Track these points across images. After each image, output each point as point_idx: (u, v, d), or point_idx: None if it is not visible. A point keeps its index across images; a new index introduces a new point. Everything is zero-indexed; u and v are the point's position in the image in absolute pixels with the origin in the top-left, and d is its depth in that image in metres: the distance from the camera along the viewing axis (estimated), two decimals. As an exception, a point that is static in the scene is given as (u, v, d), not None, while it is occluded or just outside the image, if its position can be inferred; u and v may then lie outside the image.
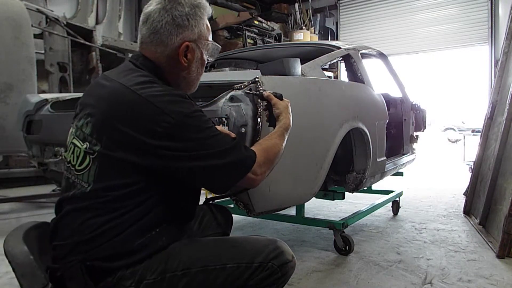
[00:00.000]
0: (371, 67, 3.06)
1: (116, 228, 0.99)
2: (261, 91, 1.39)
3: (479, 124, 4.84)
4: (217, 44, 1.20)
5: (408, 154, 3.47)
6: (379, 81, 3.29)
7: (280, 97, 1.31)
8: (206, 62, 1.20)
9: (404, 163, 3.36)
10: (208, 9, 1.18)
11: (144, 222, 1.02)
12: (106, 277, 0.99)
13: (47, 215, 3.42)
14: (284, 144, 1.22)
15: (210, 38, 1.19)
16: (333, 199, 2.54)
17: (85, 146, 1.04)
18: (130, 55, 5.79)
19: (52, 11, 5.09)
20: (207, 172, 1.02)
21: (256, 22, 7.37)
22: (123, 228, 1.00)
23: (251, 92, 1.48)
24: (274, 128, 1.26)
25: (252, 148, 1.12)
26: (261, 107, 1.44)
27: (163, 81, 1.10)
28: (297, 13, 8.76)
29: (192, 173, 1.02)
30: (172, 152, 0.98)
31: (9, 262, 0.97)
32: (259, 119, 1.47)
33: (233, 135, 1.20)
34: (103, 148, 1.01)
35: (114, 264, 0.99)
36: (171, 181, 1.05)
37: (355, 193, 2.64)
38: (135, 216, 1.01)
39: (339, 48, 2.65)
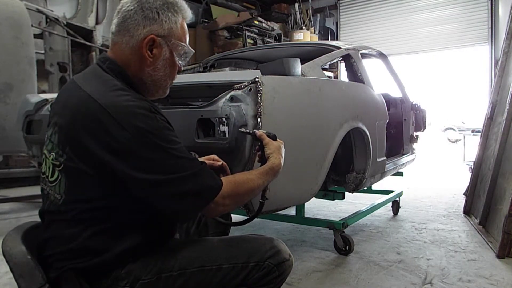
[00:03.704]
0: (371, 67, 3.06)
1: (94, 239, 0.97)
2: (254, 130, 1.30)
3: (479, 124, 4.84)
4: (190, 48, 1.13)
5: (408, 154, 3.47)
6: (379, 81, 3.29)
7: (273, 137, 1.23)
8: (177, 65, 1.12)
9: (404, 163, 3.36)
10: (186, 13, 1.12)
11: (121, 242, 0.98)
12: (100, 279, 0.99)
13: (47, 215, 3.41)
14: (265, 183, 1.13)
15: (186, 42, 1.12)
16: (333, 199, 2.55)
17: (51, 156, 1.01)
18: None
19: (52, 11, 5.08)
20: (166, 198, 0.94)
21: (256, 22, 7.36)
22: (100, 241, 0.97)
23: (244, 131, 1.44)
24: None
25: (224, 178, 1.05)
26: (255, 147, 1.38)
27: (129, 84, 1.04)
28: (297, 13, 8.75)
29: (149, 199, 0.95)
30: (127, 171, 0.92)
31: (7, 262, 0.96)
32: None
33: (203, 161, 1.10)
34: (66, 160, 0.97)
35: (107, 267, 0.98)
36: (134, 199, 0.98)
37: (355, 193, 2.64)
38: (109, 233, 0.97)
39: (339, 48, 2.65)
